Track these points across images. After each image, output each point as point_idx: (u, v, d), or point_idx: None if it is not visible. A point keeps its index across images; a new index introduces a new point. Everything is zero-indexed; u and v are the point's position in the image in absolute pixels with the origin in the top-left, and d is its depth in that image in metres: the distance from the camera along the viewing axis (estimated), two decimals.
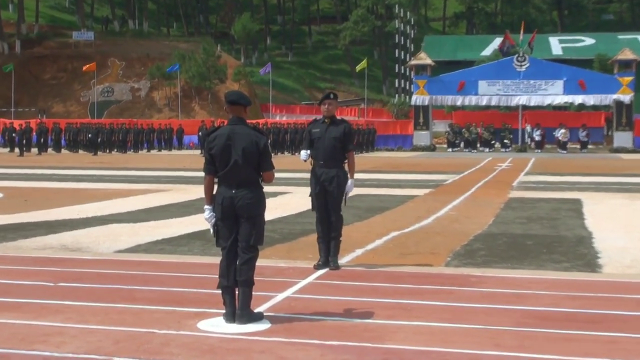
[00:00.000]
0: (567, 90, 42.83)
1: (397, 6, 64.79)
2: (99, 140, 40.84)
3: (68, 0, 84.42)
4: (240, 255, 5.86)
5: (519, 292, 7.05)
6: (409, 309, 6.34)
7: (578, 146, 43.88)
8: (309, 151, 8.22)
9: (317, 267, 8.10)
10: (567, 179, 22.07)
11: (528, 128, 46.41)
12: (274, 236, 10.45)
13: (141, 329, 5.66)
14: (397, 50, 63.98)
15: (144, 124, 46.60)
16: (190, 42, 67.02)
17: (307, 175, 8.55)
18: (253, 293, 5.90)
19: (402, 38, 64.11)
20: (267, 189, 6.22)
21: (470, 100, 44.72)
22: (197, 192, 16.42)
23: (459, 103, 46.05)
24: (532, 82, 42.94)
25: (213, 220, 5.93)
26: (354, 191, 8.76)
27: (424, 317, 6.06)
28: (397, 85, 64.48)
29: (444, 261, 8.75)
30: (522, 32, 47.32)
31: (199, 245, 9.81)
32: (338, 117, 8.33)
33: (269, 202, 6.42)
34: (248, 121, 6.07)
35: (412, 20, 67.17)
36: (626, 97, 42.13)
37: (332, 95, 8.23)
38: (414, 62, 46.69)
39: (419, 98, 44.55)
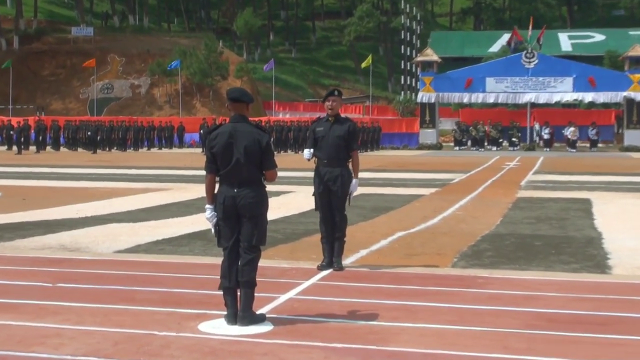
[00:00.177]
0: (577, 88, 42.79)
1: (402, 1, 64.78)
2: (98, 138, 40.90)
3: None
4: (242, 255, 5.86)
5: (527, 293, 7.04)
6: (415, 311, 6.34)
7: (588, 145, 43.85)
8: (312, 150, 8.22)
9: (321, 268, 8.10)
10: (576, 178, 22.04)
11: (537, 126, 46.36)
12: (277, 236, 10.45)
13: (141, 330, 5.66)
14: (402, 47, 63.94)
15: (144, 122, 46.65)
16: (192, 38, 67.08)
17: (311, 174, 8.55)
18: (255, 294, 5.90)
19: (408, 34, 64.07)
20: (269, 188, 6.22)
21: (478, 97, 44.71)
22: (198, 191, 16.42)
23: (466, 100, 46.06)
24: (540, 79, 42.90)
25: (214, 220, 5.93)
26: (358, 190, 8.75)
27: (430, 319, 6.06)
28: (402, 82, 64.45)
29: (450, 262, 8.75)
30: (530, 27, 47.33)
31: (200, 246, 9.82)
32: (342, 116, 8.33)
33: (272, 201, 6.43)
34: (250, 119, 6.07)
35: (418, 15, 67.15)
36: (637, 95, 42.08)
37: (336, 92, 8.22)
38: (420, 58, 46.67)
39: (425, 95, 44.53)
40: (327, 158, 8.11)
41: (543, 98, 43.38)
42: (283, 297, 6.77)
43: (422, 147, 44.25)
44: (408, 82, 63.02)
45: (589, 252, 9.47)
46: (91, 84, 60.58)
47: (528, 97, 43.32)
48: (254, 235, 5.85)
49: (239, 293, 5.86)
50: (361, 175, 8.62)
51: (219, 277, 5.95)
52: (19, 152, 37.38)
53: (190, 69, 57.80)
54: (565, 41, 68.00)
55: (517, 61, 43.65)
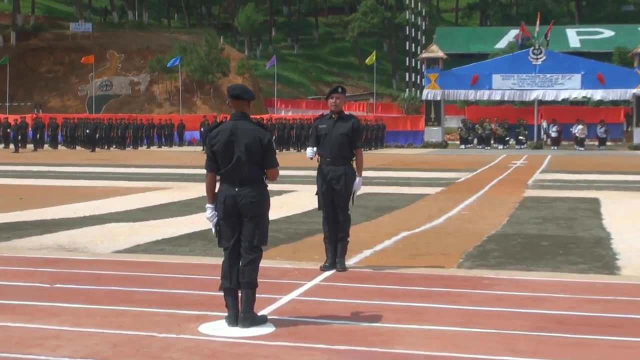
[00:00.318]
0: (585, 85, 42.76)
1: None
2: (97, 136, 40.93)
3: None
4: (243, 256, 5.86)
5: (534, 295, 7.04)
6: (419, 312, 6.34)
7: (596, 143, 43.81)
8: (315, 148, 8.21)
9: (324, 268, 8.09)
10: (584, 177, 22.02)
11: (544, 124, 46.34)
12: (279, 236, 10.46)
13: (140, 332, 5.66)
14: (407, 43, 63.93)
15: (144, 119, 46.69)
16: (192, 34, 67.10)
17: (314, 173, 8.54)
18: (257, 295, 5.90)
19: (413, 30, 64.06)
20: (271, 187, 6.22)
21: (484, 94, 44.70)
22: (199, 190, 16.44)
23: (472, 98, 46.05)
24: (548, 76, 42.89)
25: (215, 220, 5.93)
26: (362, 189, 8.75)
27: (435, 320, 6.05)
28: (407, 79, 64.45)
29: (456, 263, 8.74)
30: (538, 23, 47.27)
31: (200, 246, 9.82)
32: (346, 113, 8.31)
33: (274, 200, 6.43)
34: (252, 116, 6.07)
35: (424, 11, 67.10)
36: None
37: (340, 89, 8.21)
38: (425, 55, 46.67)
39: (430, 92, 44.54)
40: (331, 156, 8.10)
41: (551, 95, 43.38)
42: (285, 299, 6.77)
43: (427, 145, 44.26)
44: (413, 79, 62.99)
45: (597, 253, 9.46)
46: (90, 81, 60.65)
47: (535, 94, 43.31)
48: (255, 235, 5.85)
49: (240, 294, 5.86)
50: (365, 174, 8.61)
51: (219, 277, 5.95)
52: (16, 151, 37.42)
53: (191, 66, 57.84)
54: (573, 37, 67.93)
55: (524, 58, 43.63)
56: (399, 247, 9.85)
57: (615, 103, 48.95)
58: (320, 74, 72.96)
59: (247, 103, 5.99)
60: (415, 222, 12.21)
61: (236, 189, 5.84)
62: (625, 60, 50.66)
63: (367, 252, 9.30)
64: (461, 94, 45.18)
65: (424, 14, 67.13)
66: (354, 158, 8.19)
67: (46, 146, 41.84)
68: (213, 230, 6.00)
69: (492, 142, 44.23)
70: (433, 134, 44.90)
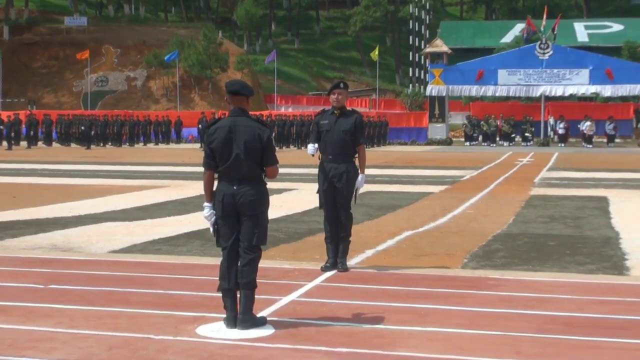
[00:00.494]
0: (593, 80, 42.72)
1: None
2: (92, 133, 40.90)
3: None
4: (242, 255, 5.86)
5: (540, 296, 7.04)
6: (423, 314, 6.34)
7: (604, 140, 43.77)
8: (316, 145, 8.20)
9: (325, 268, 8.09)
10: (592, 175, 22.02)
11: (551, 120, 46.32)
12: (279, 236, 10.46)
13: (136, 334, 5.67)
14: (411, 37, 63.94)
15: (140, 116, 46.67)
16: (190, 28, 67.13)
17: (315, 171, 8.54)
18: (256, 296, 5.90)
19: (417, 24, 64.04)
20: (271, 185, 6.22)
21: (490, 90, 44.69)
22: (196, 188, 16.45)
23: (477, 93, 46.04)
24: (555, 71, 42.85)
25: (213, 219, 5.93)
26: (364, 188, 8.74)
27: (439, 322, 6.06)
28: (411, 74, 64.45)
29: (460, 263, 8.75)
30: (544, 17, 47.26)
31: (198, 245, 9.82)
32: (348, 108, 8.30)
33: (273, 199, 6.43)
34: (251, 113, 6.07)
35: (427, 4, 67.13)
36: None
37: (342, 85, 8.19)
38: (429, 49, 46.65)
39: (434, 88, 44.52)
40: (332, 153, 8.08)
41: (558, 91, 43.33)
42: (285, 300, 6.77)
43: (431, 142, 44.24)
44: (416, 75, 62.98)
45: (605, 253, 9.46)
46: (85, 76, 60.68)
47: (542, 90, 43.27)
48: (254, 235, 5.85)
49: (238, 295, 5.86)
50: (367, 171, 8.60)
51: (217, 278, 5.95)
52: (9, 148, 37.42)
53: (189, 61, 57.86)
54: (581, 31, 67.92)
55: (530, 52, 43.59)
56: (402, 247, 9.86)
57: (624, 99, 48.90)
58: (321, 69, 72.96)
59: (246, 99, 5.99)
60: (418, 221, 12.21)
61: (235, 187, 5.84)
62: (635, 54, 50.69)
63: (369, 252, 9.30)
64: (466, 90, 45.15)
65: (427, 7, 67.14)
66: (357, 155, 8.18)
67: (40, 143, 41.85)
68: (211, 229, 6.00)
69: (497, 139, 44.20)
70: (437, 130, 44.89)
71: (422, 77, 61.09)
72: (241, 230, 5.87)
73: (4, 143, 39.40)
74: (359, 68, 74.15)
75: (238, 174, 5.85)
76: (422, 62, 58.73)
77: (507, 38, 64.12)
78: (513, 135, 44.25)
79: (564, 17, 58.42)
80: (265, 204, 5.95)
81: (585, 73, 42.73)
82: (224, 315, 5.88)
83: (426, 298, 6.93)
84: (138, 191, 17.04)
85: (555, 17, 49.44)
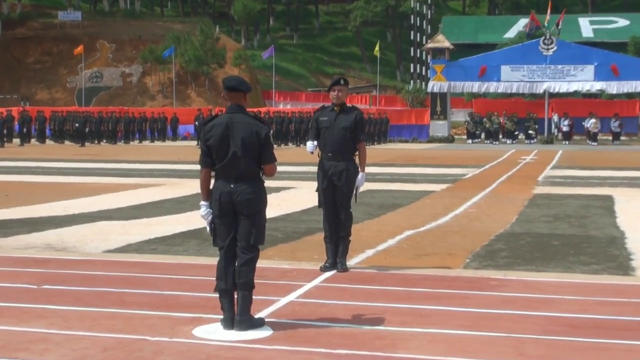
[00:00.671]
0: (598, 76, 42.70)
1: None
2: (86, 130, 40.92)
3: None
4: (239, 255, 5.86)
5: (544, 297, 7.04)
6: (424, 315, 6.34)
7: (610, 137, 43.79)
8: (315, 142, 8.20)
9: (324, 269, 8.09)
10: (597, 174, 22.03)
11: (555, 118, 46.29)
12: (277, 235, 10.46)
13: (132, 335, 5.67)
14: (412, 32, 63.91)
15: (136, 113, 46.68)
16: (186, 23, 67.07)
17: (314, 169, 8.54)
18: (253, 297, 5.90)
19: (418, 19, 64.03)
20: (269, 183, 6.22)
21: (492, 87, 44.64)
22: (193, 186, 16.45)
23: (479, 90, 45.97)
24: (559, 67, 42.84)
25: (210, 218, 5.93)
26: (364, 186, 8.74)
27: (441, 323, 6.06)
28: (412, 70, 64.44)
29: (462, 263, 8.75)
30: (549, 12, 47.22)
31: (194, 245, 9.83)
32: (348, 105, 8.30)
33: (272, 197, 6.43)
34: (248, 109, 6.07)
35: None
36: None
37: (342, 81, 8.19)
38: (430, 45, 46.62)
39: (436, 84, 44.50)
40: (332, 151, 8.08)
41: (562, 87, 43.31)
42: (283, 300, 6.77)
43: (432, 139, 44.24)
44: (418, 71, 62.98)
45: (610, 253, 9.47)
46: (79, 72, 60.63)
47: (546, 87, 43.25)
48: (251, 234, 5.85)
49: (236, 296, 5.86)
50: (367, 169, 8.61)
51: (214, 278, 5.95)
52: (2, 145, 37.42)
53: (185, 56, 57.82)
54: (586, 26, 67.89)
55: (534, 48, 43.56)
56: (403, 246, 9.86)
57: (630, 96, 48.88)
58: (320, 65, 72.91)
59: (244, 95, 5.99)
60: (420, 220, 12.22)
61: (232, 186, 5.84)
62: None
63: (369, 252, 9.30)
64: (468, 86, 45.12)
65: (429, 2, 67.12)
66: (357, 153, 8.18)
67: (33, 140, 41.84)
68: (208, 228, 6.00)
69: (500, 136, 44.20)
70: (439, 128, 44.87)
71: (423, 73, 61.10)
72: (238, 230, 5.87)
73: None
74: (359, 64, 74.11)
75: (235, 171, 5.85)
76: (424, 57, 58.74)
77: (511, 33, 64.08)
78: (516, 133, 44.23)
79: (568, 12, 58.44)
80: (263, 203, 5.95)
81: (590, 69, 42.71)
82: (221, 317, 5.88)
83: (427, 299, 6.93)
84: (133, 189, 17.05)
85: (559, 12, 49.40)
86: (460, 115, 51.55)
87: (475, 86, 44.89)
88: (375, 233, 10.83)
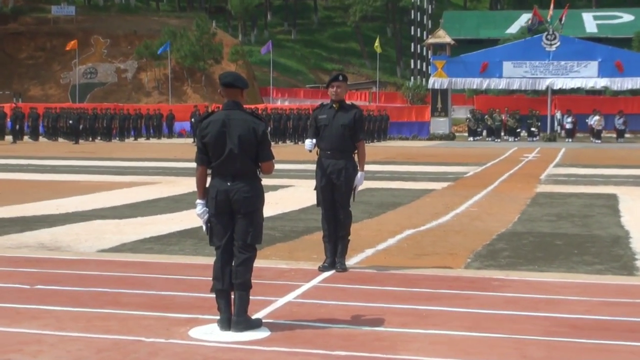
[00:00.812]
0: (602, 73, 42.72)
1: None
2: (80, 127, 40.90)
3: None
4: (236, 255, 5.86)
5: (547, 297, 7.05)
6: (425, 316, 6.34)
7: (614, 135, 43.80)
8: (314, 140, 8.20)
9: (323, 269, 8.10)
10: (601, 172, 22.04)
11: (558, 115, 46.34)
12: (275, 234, 10.46)
13: (127, 336, 5.67)
14: (412, 28, 63.94)
15: (131, 109, 46.67)
16: (182, 18, 67.08)
17: (312, 167, 8.54)
18: (251, 297, 5.90)
19: (419, 14, 64.02)
20: (266, 181, 6.23)
21: (494, 83, 44.68)
22: (189, 184, 16.43)
23: (481, 86, 45.99)
24: (563, 63, 42.86)
25: (206, 216, 5.93)
26: (364, 185, 8.75)
27: (442, 324, 6.06)
28: (412, 66, 64.46)
29: (463, 263, 8.75)
30: (552, 7, 47.22)
31: (190, 244, 9.83)
32: (348, 102, 8.30)
33: (269, 196, 6.43)
34: (245, 106, 6.07)
35: None
36: None
37: (341, 77, 8.19)
38: (431, 40, 46.66)
39: (437, 81, 44.51)
40: (331, 149, 8.09)
41: (565, 84, 43.32)
42: (281, 301, 6.77)
43: (433, 137, 44.27)
44: (418, 67, 62.99)
45: (615, 252, 9.47)
46: (73, 68, 60.60)
47: (549, 83, 43.26)
48: (249, 233, 5.85)
49: (233, 296, 5.86)
50: (367, 167, 8.61)
51: (211, 278, 5.95)
52: None
53: (181, 52, 57.81)
54: (590, 22, 67.92)
55: (537, 44, 43.58)
56: (403, 246, 9.86)
57: (634, 92, 48.92)
58: (319, 61, 72.92)
59: (241, 92, 5.98)
60: (420, 219, 12.22)
61: (228, 184, 5.84)
62: None
63: (369, 252, 9.30)
64: (470, 83, 45.16)
65: None
66: (356, 151, 8.19)
67: (26, 138, 41.80)
68: (204, 227, 5.99)
69: (502, 134, 44.23)
70: (440, 125, 44.90)
71: (424, 69, 61.09)
72: (235, 229, 5.87)
73: None
74: (359, 60, 74.10)
75: (232, 169, 5.85)
76: (424, 53, 58.73)
77: (513, 29, 64.11)
78: (518, 130, 44.25)
79: (571, 6, 58.39)
80: (261, 201, 5.95)
81: (593, 65, 42.72)
82: (218, 317, 5.88)
83: (428, 299, 6.93)
84: (128, 188, 17.04)
85: (562, 7, 49.43)
86: (461, 112, 51.59)
87: (476, 82, 44.92)
88: (374, 232, 10.83)
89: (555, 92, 45.51)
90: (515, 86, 44.89)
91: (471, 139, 44.41)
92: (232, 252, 5.87)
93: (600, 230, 11.25)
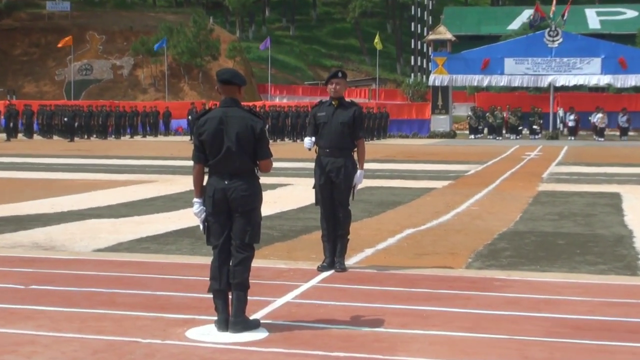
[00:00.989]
0: (606, 70, 42.71)
1: None
2: (76, 124, 40.86)
3: None
4: (234, 254, 5.86)
5: (549, 297, 7.05)
6: (425, 316, 6.35)
7: (617, 133, 43.78)
8: (313, 138, 8.21)
9: (321, 268, 8.10)
10: (604, 170, 22.05)
11: (560, 112, 46.34)
12: (273, 234, 10.46)
13: (123, 337, 5.67)
14: (413, 24, 63.94)
15: (127, 107, 46.62)
16: (179, 14, 67.05)
17: (311, 165, 8.54)
18: (249, 298, 5.90)
19: (419, 9, 64.04)
20: (264, 180, 6.23)
21: (496, 80, 44.67)
22: (186, 183, 16.43)
23: (482, 83, 45.98)
24: (565, 60, 42.85)
25: (203, 215, 5.93)
26: (363, 183, 8.75)
27: (442, 325, 6.07)
28: (412, 63, 64.46)
29: (464, 262, 8.76)
30: (554, 2, 47.18)
31: (187, 244, 9.83)
32: (347, 99, 8.31)
33: (267, 195, 6.43)
34: (243, 103, 6.07)
35: None
36: None
37: (340, 74, 8.19)
38: (432, 36, 46.64)
39: (437, 78, 44.51)
40: (330, 147, 8.09)
41: (568, 81, 43.31)
42: (279, 301, 6.77)
43: (433, 135, 44.26)
44: (419, 63, 63.01)
45: (618, 252, 9.48)
46: (68, 64, 60.54)
47: (551, 80, 43.25)
48: (246, 232, 5.85)
49: (230, 296, 5.86)
50: (367, 166, 8.62)
51: (208, 278, 5.95)
52: None
53: (178, 48, 57.76)
54: (593, 17, 67.90)
55: (539, 40, 43.56)
56: (403, 245, 9.87)
57: (638, 89, 48.90)
58: (318, 58, 72.87)
59: (238, 89, 5.98)
60: (420, 218, 12.23)
61: (226, 182, 5.84)
62: None
63: (368, 251, 9.31)
64: (471, 80, 45.13)
65: None
66: (355, 149, 8.19)
67: (20, 135, 41.75)
68: (201, 227, 6.00)
69: (504, 131, 44.20)
70: (440, 122, 44.89)
71: (424, 66, 61.12)
72: (233, 228, 5.87)
73: None
74: (358, 56, 74.05)
75: (229, 167, 5.85)
76: (425, 50, 58.78)
77: (515, 25, 64.06)
78: (520, 128, 44.24)
79: (574, 2, 58.37)
80: (258, 200, 5.95)
81: (597, 62, 42.71)
82: (215, 318, 5.88)
83: (428, 299, 6.94)
84: (124, 186, 17.03)
85: (565, 3, 49.40)
86: (462, 110, 51.58)
87: (477, 79, 44.90)
88: (374, 231, 10.83)
89: (558, 89, 45.49)
90: (517, 83, 44.86)
91: (472, 136, 44.41)
92: (230, 252, 5.87)
93: (603, 230, 11.26)
